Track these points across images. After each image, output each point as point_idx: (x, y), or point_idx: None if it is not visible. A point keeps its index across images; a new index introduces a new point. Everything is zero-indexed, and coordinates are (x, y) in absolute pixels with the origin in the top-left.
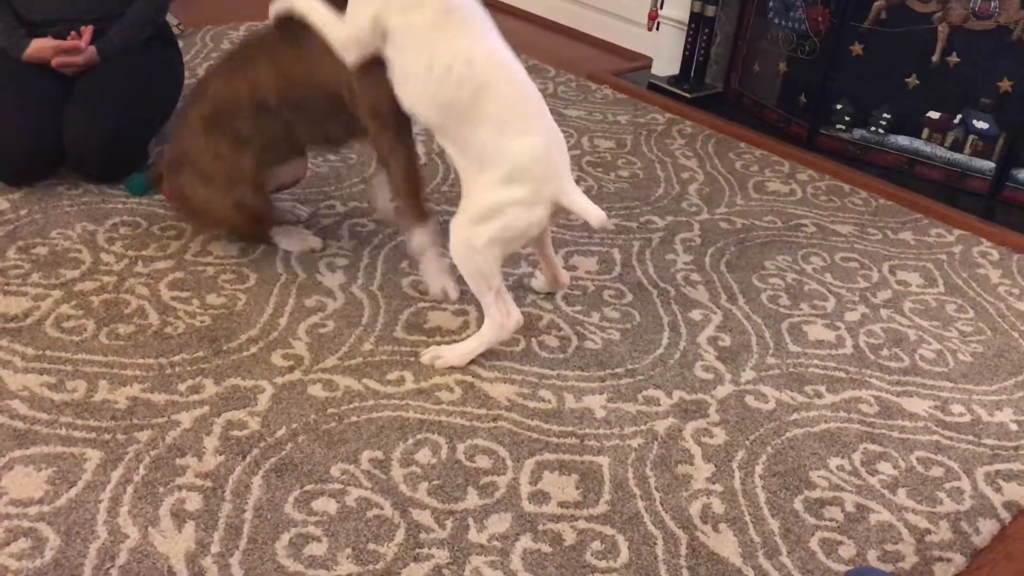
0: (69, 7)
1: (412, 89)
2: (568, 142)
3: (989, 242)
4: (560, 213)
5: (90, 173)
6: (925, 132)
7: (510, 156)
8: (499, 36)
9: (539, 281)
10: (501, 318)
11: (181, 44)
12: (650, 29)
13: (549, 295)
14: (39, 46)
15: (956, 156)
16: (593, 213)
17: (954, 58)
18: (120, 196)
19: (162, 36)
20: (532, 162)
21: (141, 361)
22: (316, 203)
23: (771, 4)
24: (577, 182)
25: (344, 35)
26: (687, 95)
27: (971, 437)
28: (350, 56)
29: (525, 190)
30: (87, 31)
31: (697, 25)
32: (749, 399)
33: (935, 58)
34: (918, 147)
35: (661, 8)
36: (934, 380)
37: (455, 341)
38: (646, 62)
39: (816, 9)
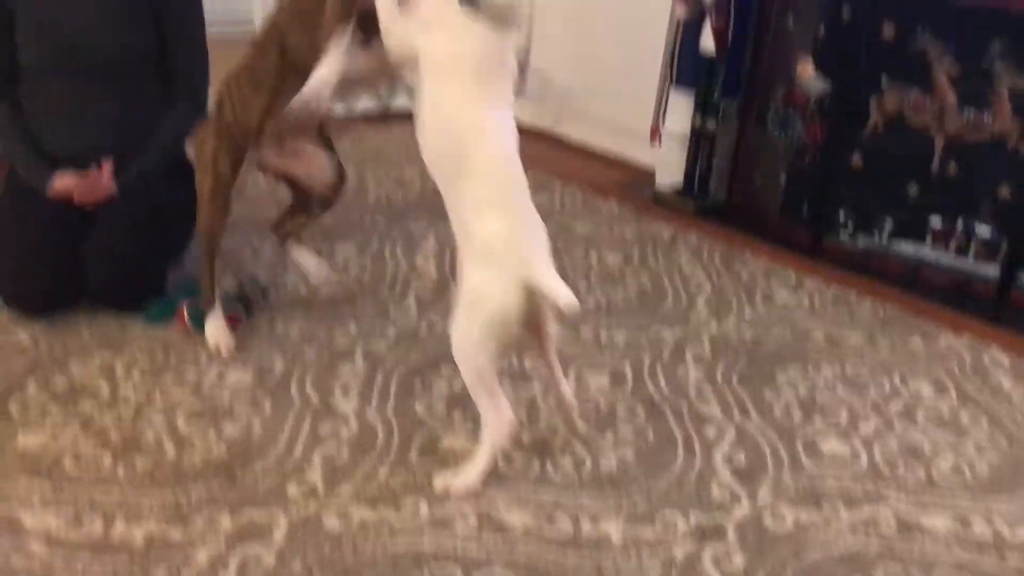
0: (90, 142)
1: (419, 118)
2: (576, 256)
3: (999, 348)
4: (543, 308)
5: (110, 303)
6: (929, 239)
7: (482, 234)
8: (511, 120)
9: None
10: (496, 422)
11: None
12: (652, 144)
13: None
14: (63, 183)
15: (961, 261)
16: (562, 294)
17: (952, 167)
18: (138, 325)
19: (180, 166)
20: (498, 242)
21: (158, 495)
22: (331, 325)
23: (770, 117)
24: (586, 296)
25: (390, 28)
26: (691, 207)
27: (994, 555)
28: (389, 47)
29: (496, 271)
30: (108, 165)
31: (698, 138)
32: (767, 520)
33: (934, 167)
34: (922, 253)
35: (663, 123)
36: (952, 494)
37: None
38: (650, 174)
39: (814, 122)
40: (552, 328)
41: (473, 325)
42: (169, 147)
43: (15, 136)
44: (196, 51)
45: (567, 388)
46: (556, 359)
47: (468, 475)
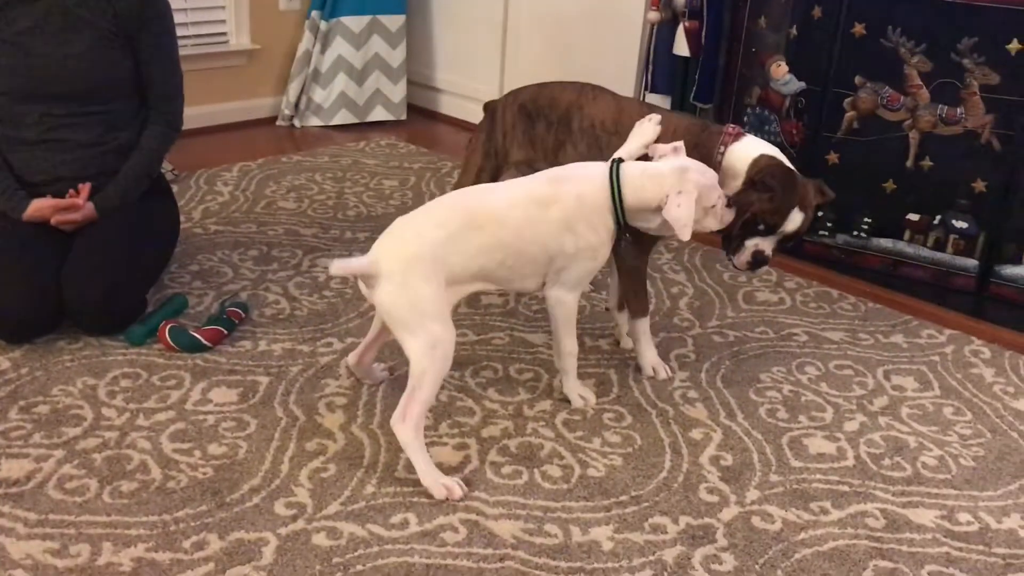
0: (66, 166)
1: None
2: None
3: (980, 340)
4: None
5: (90, 327)
6: (907, 234)
7: None
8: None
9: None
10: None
11: (175, 188)
12: None
13: (548, 422)
14: (38, 206)
15: (939, 255)
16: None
17: (928, 162)
18: (120, 347)
19: (157, 187)
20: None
21: (145, 519)
22: (313, 341)
23: (746, 119)
24: None
25: None
26: None
27: (981, 547)
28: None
29: None
30: (85, 188)
31: None
32: (756, 520)
33: (909, 163)
34: (901, 248)
35: None
36: (938, 488)
37: (457, 479)
38: None
39: (790, 122)
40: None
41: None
42: (147, 169)
43: None
44: (171, 73)
45: (395, 416)
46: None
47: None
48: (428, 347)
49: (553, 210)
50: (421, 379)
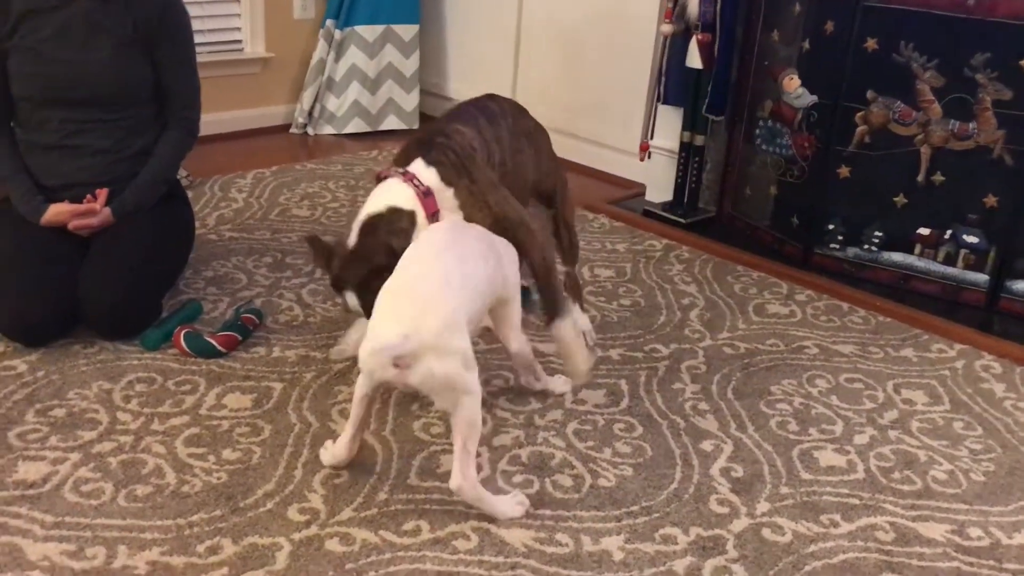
0: (84, 171)
1: None
2: None
3: (990, 355)
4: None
5: (106, 332)
6: (917, 248)
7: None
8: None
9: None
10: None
11: (191, 194)
12: (642, 159)
13: (559, 432)
14: (56, 211)
15: (950, 270)
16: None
17: (939, 177)
18: (135, 352)
19: (173, 193)
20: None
21: (159, 523)
22: (327, 348)
23: (758, 131)
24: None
25: None
26: (682, 221)
27: (992, 562)
28: None
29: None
30: (102, 194)
31: (687, 154)
32: (766, 532)
33: (920, 178)
34: (912, 263)
35: (652, 138)
36: (948, 503)
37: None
38: (640, 190)
39: (802, 135)
40: (446, 406)
41: None
42: (164, 175)
43: (9, 166)
44: (189, 78)
45: (455, 477)
46: (457, 435)
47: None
48: (478, 398)
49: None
50: (475, 430)
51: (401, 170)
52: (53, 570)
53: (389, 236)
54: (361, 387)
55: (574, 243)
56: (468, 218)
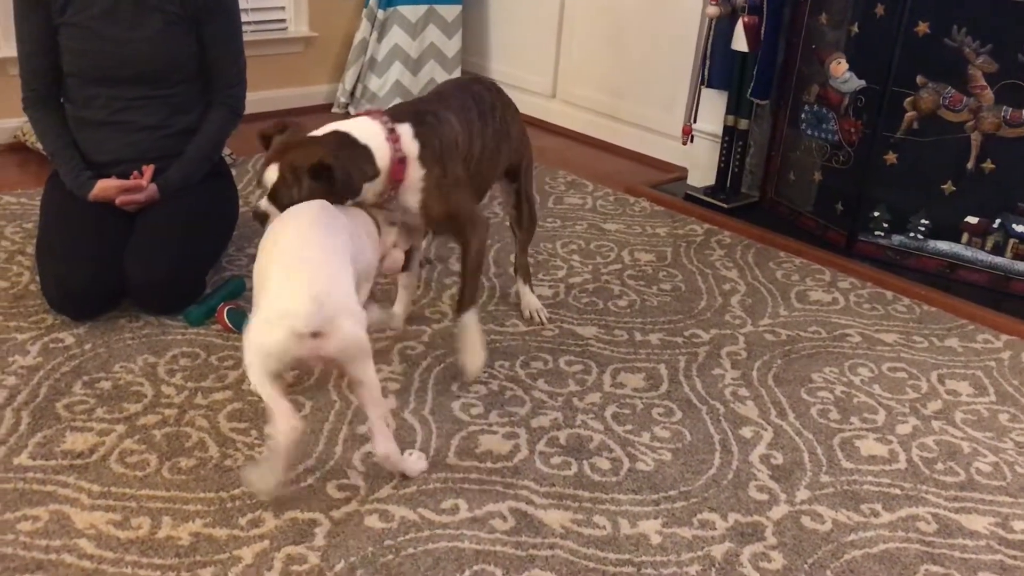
0: (132, 147)
1: None
2: (608, 255)
3: None
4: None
5: (151, 306)
6: (965, 236)
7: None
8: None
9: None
10: (277, 427)
11: (234, 172)
12: (684, 143)
13: (598, 415)
14: (104, 187)
15: (998, 259)
16: None
17: (989, 164)
18: (179, 327)
19: (218, 169)
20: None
21: (203, 495)
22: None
23: (803, 116)
24: (619, 296)
25: None
26: (724, 205)
27: None
28: None
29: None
30: (148, 170)
31: (731, 138)
32: (805, 520)
33: (970, 165)
34: (958, 251)
35: (695, 122)
36: (992, 495)
37: (506, 467)
38: (682, 173)
39: (848, 120)
40: (358, 373)
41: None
42: (209, 152)
43: (58, 142)
44: (235, 58)
45: (382, 444)
46: (373, 407)
47: (263, 472)
48: None
49: None
50: (380, 393)
51: (390, 125)
52: (99, 538)
53: (350, 161)
54: (262, 379)
55: (533, 216)
56: (424, 203)
